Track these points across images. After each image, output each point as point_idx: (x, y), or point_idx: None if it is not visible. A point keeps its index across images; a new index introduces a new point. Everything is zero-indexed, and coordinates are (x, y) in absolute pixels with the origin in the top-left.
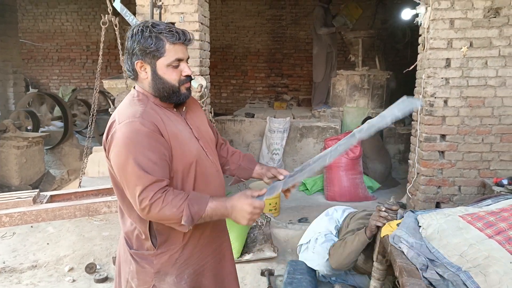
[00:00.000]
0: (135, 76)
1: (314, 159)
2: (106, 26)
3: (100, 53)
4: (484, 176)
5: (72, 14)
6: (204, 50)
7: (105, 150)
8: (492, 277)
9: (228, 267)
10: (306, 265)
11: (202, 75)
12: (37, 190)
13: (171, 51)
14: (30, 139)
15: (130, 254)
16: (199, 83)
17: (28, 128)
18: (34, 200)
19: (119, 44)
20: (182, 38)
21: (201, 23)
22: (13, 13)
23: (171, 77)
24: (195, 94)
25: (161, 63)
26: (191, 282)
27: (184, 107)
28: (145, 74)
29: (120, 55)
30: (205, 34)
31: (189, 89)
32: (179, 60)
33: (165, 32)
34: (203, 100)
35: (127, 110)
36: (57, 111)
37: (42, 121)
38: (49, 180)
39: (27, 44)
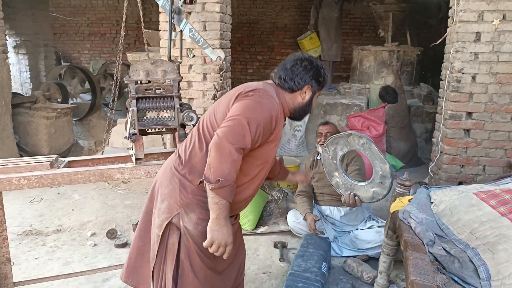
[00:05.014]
0: (292, 91)
1: None
2: None
3: (123, 25)
4: (511, 156)
5: None
6: (225, 23)
7: (237, 95)
8: (500, 255)
9: (240, 235)
10: (321, 239)
11: (222, 48)
12: (56, 155)
13: None
14: (59, 110)
15: (174, 176)
16: (217, 55)
17: (58, 100)
18: (52, 165)
19: (141, 16)
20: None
21: None
22: None
23: (312, 106)
24: (215, 67)
25: (315, 95)
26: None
27: None
28: (303, 95)
29: (142, 28)
30: (226, 6)
31: None
32: None
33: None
34: (221, 73)
35: (271, 93)
36: (86, 84)
37: (71, 93)
38: (77, 150)
39: (60, 18)
